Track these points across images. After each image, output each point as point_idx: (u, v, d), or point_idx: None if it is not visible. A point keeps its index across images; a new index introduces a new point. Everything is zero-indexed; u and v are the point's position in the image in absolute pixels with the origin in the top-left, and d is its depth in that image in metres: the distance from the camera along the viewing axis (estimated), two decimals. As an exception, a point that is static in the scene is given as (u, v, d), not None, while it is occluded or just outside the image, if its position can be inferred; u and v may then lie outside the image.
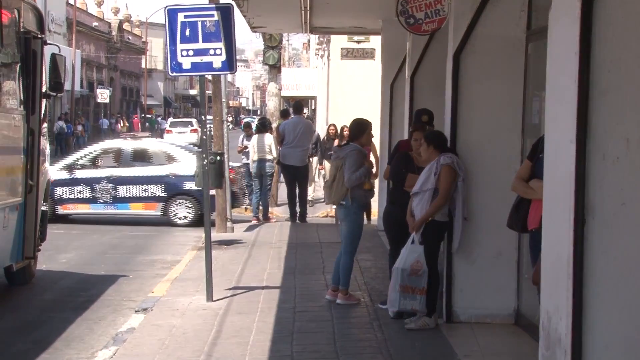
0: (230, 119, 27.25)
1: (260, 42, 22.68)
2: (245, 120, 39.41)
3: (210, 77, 15.16)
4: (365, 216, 10.37)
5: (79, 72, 51.27)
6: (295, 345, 7.42)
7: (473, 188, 7.95)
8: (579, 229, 4.27)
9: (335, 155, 9.21)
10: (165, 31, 9.32)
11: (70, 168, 16.78)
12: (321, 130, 25.35)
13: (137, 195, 16.87)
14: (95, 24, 58.82)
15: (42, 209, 10.68)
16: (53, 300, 10.00)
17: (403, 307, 7.89)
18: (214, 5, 9.88)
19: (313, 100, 44.51)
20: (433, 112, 8.91)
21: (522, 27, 7.84)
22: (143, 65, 68.41)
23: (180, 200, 16.89)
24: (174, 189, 16.84)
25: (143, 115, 64.77)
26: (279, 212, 18.25)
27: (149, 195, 16.87)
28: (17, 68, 9.64)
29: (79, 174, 16.89)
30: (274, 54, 21.24)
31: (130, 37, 69.01)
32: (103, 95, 55.41)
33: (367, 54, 25.47)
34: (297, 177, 16.48)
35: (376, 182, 11.50)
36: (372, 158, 13.91)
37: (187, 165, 16.86)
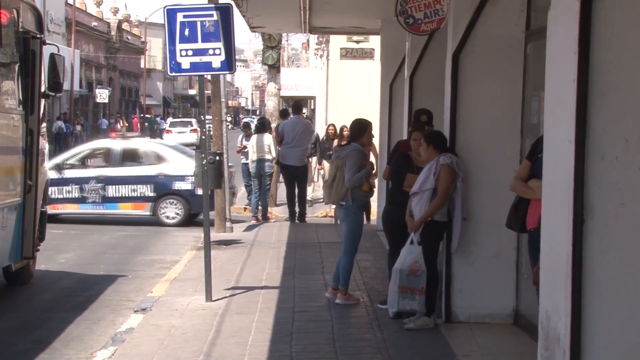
0: (229, 118, 27.21)
1: (259, 42, 22.71)
2: (245, 120, 39.42)
3: (209, 77, 15.15)
4: (364, 216, 10.37)
5: (78, 72, 51.27)
6: (294, 345, 7.42)
7: (472, 188, 7.95)
8: (578, 229, 4.27)
9: (336, 155, 9.21)
10: (165, 31, 9.32)
11: (59, 168, 16.72)
12: (320, 130, 25.36)
13: (126, 195, 16.86)
14: (94, 23, 58.83)
15: (41, 209, 10.68)
16: (52, 300, 9.99)
17: (402, 307, 7.89)
18: (213, 5, 9.89)
19: (312, 100, 44.54)
20: (432, 112, 8.91)
21: (521, 27, 7.84)
22: (142, 65, 68.38)
23: (170, 200, 16.90)
24: (163, 189, 16.84)
25: (142, 115, 64.75)
26: (278, 212, 18.24)
27: (138, 195, 16.86)
28: (16, 68, 9.63)
29: (68, 173, 16.86)
30: (273, 54, 21.24)
31: (129, 37, 69.01)
32: (102, 95, 55.39)
33: (366, 54, 25.49)
34: (297, 177, 16.48)
35: (375, 182, 11.50)
36: (372, 158, 13.94)
37: (176, 165, 16.90)
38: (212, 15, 9.19)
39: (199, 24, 9.16)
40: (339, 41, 26.09)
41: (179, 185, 16.81)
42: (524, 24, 7.84)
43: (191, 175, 16.59)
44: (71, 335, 8.29)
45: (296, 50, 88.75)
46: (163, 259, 12.88)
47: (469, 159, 7.98)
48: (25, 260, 10.13)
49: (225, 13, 9.21)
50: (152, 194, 16.83)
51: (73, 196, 16.68)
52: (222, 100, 15.31)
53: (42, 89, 10.42)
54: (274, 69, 21.56)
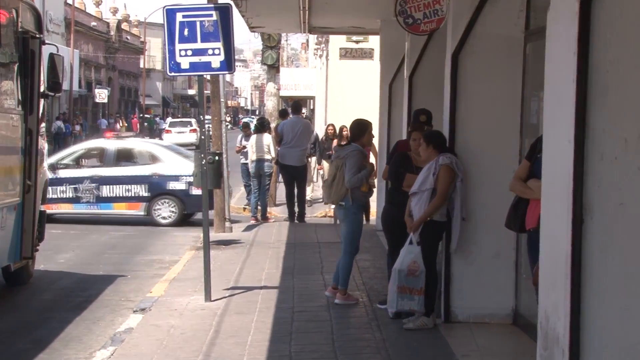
0: (228, 118, 27.19)
1: (258, 42, 22.71)
2: (244, 120, 39.42)
3: (208, 77, 15.14)
4: (364, 216, 10.37)
5: (77, 72, 51.27)
6: (293, 345, 7.42)
7: (471, 188, 7.95)
8: (577, 229, 4.27)
9: (336, 155, 9.21)
10: (164, 31, 9.32)
11: (53, 168, 16.68)
12: (319, 130, 25.36)
13: (121, 195, 16.86)
14: (93, 23, 58.83)
15: (40, 209, 10.68)
16: (51, 300, 9.99)
17: (401, 307, 7.90)
18: (212, 5, 9.88)
19: (311, 100, 44.54)
20: (432, 112, 8.91)
21: (521, 27, 7.85)
22: (141, 65, 68.38)
23: (164, 200, 16.90)
24: (157, 189, 16.84)
25: (141, 115, 64.75)
26: (278, 212, 18.24)
27: (132, 195, 16.86)
28: (15, 68, 9.63)
29: (62, 173, 16.85)
30: (272, 54, 21.24)
31: (128, 37, 69.01)
32: (101, 95, 55.40)
33: (366, 54, 25.50)
34: (296, 177, 16.48)
35: (375, 181, 11.51)
36: (372, 158, 13.94)
37: (170, 165, 16.91)
38: (211, 15, 9.19)
39: (198, 24, 9.16)
40: (338, 41, 26.10)
41: (173, 185, 16.82)
42: (523, 24, 7.84)
43: (185, 175, 16.70)
44: (70, 335, 8.29)
45: (295, 50, 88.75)
46: (162, 259, 12.88)
47: (468, 159, 7.98)
48: (25, 260, 10.13)
49: (224, 13, 9.21)
50: (146, 194, 16.83)
51: (67, 196, 16.65)
52: (222, 100, 15.30)
53: (42, 89, 10.41)
54: (273, 69, 21.57)
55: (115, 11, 66.95)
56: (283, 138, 16.38)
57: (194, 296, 9.48)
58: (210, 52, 9.16)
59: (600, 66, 4.22)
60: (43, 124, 10.79)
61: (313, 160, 19.54)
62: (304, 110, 25.76)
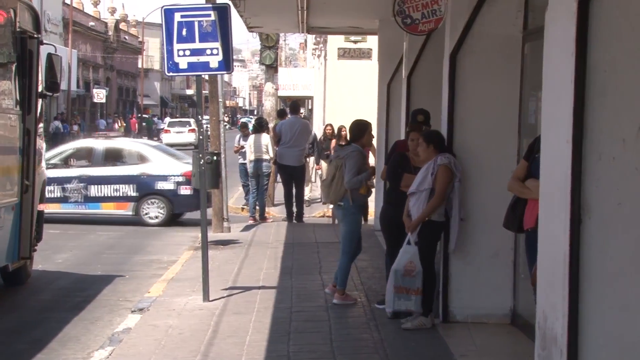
0: (226, 118, 27.18)
1: (257, 42, 22.67)
2: (242, 120, 39.41)
3: (206, 77, 15.14)
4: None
5: (75, 72, 51.24)
6: (291, 345, 7.42)
7: (469, 188, 7.95)
8: (575, 229, 4.27)
9: (336, 155, 9.21)
10: (162, 31, 9.32)
11: None
12: (318, 130, 25.35)
13: (109, 195, 16.84)
14: (91, 23, 58.78)
15: (38, 209, 10.67)
16: (49, 300, 9.99)
17: (397, 307, 7.90)
18: (210, 5, 9.89)
19: (310, 100, 44.54)
20: (430, 112, 8.91)
21: (519, 27, 7.85)
22: (139, 65, 68.34)
23: (152, 200, 16.89)
24: (145, 189, 16.83)
25: (140, 115, 64.71)
26: (276, 212, 18.24)
27: (121, 195, 16.84)
28: (13, 68, 9.62)
29: (50, 173, 16.77)
30: (270, 54, 21.24)
31: (126, 37, 68.95)
32: (99, 95, 55.36)
33: (364, 54, 25.49)
34: (294, 177, 16.48)
35: (374, 182, 11.50)
36: (371, 158, 13.94)
37: (159, 165, 16.91)
38: (209, 15, 9.19)
39: (196, 24, 9.16)
40: (336, 41, 26.08)
41: (161, 185, 16.81)
42: (521, 24, 7.84)
43: (174, 175, 16.72)
44: (68, 335, 8.28)
45: (294, 50, 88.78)
46: (160, 259, 12.87)
47: (467, 159, 7.98)
48: (23, 260, 10.12)
49: (222, 13, 9.21)
50: (134, 194, 16.82)
51: (55, 196, 16.58)
52: (220, 100, 15.30)
53: (39, 89, 10.41)
54: (271, 69, 21.57)
55: (113, 11, 66.90)
56: (281, 138, 16.38)
57: (192, 296, 9.47)
58: (208, 52, 9.16)
59: (598, 66, 4.22)
60: (41, 124, 10.80)
61: (311, 160, 19.54)
62: (302, 110, 25.76)
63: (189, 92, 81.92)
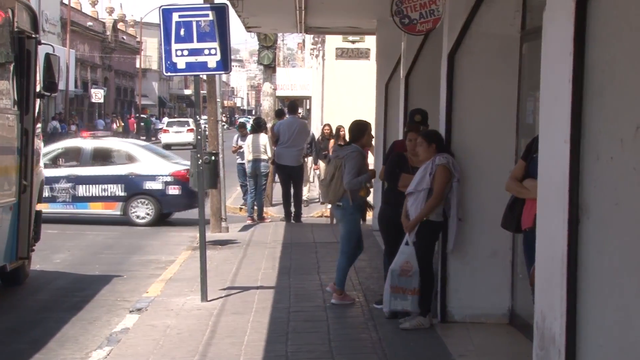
0: (224, 118, 27.18)
1: (255, 42, 22.66)
2: (240, 120, 39.35)
3: (205, 77, 15.14)
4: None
5: (73, 72, 51.20)
6: (290, 345, 7.42)
7: (467, 188, 7.95)
8: (574, 229, 4.28)
9: (335, 155, 9.20)
10: (160, 31, 9.31)
11: None
12: (316, 130, 25.35)
13: (97, 195, 16.83)
14: (89, 23, 58.74)
15: (36, 209, 10.66)
16: (47, 300, 9.98)
17: (394, 307, 7.90)
18: (208, 5, 9.88)
19: (308, 100, 44.53)
20: (428, 112, 8.91)
21: (517, 27, 7.85)
22: (137, 65, 68.31)
23: (140, 200, 16.89)
24: (133, 189, 16.82)
25: (138, 115, 64.68)
26: (274, 212, 18.24)
27: (109, 194, 16.83)
28: (11, 68, 9.62)
29: None
30: (268, 54, 21.24)
31: (124, 37, 68.92)
32: (97, 95, 55.34)
33: (362, 54, 25.49)
34: (292, 177, 16.49)
35: (372, 181, 11.49)
36: (370, 157, 13.92)
37: (147, 165, 16.92)
38: (207, 15, 9.19)
39: (194, 23, 9.16)
40: (334, 41, 26.07)
41: (149, 185, 16.82)
42: (519, 24, 7.85)
43: (162, 175, 16.73)
44: (66, 335, 8.28)
45: (292, 50, 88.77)
46: (158, 259, 12.87)
47: (465, 159, 7.98)
48: (21, 260, 10.11)
49: (220, 13, 9.21)
50: (122, 194, 16.81)
51: (43, 195, 16.55)
52: (218, 100, 15.29)
53: (37, 89, 10.41)
54: (269, 69, 21.57)
55: (111, 11, 66.87)
56: (279, 138, 16.38)
57: (190, 296, 9.47)
58: (206, 52, 9.16)
59: (596, 66, 4.22)
60: (39, 124, 10.79)
61: (309, 160, 19.54)
62: (300, 110, 25.75)
63: (187, 92, 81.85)
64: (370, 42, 22.54)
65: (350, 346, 7.43)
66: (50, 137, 41.62)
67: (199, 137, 9.79)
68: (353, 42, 25.46)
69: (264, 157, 16.75)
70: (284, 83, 38.05)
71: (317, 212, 18.64)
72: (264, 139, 16.85)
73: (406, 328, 7.83)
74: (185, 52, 9.15)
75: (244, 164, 17.54)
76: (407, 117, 10.34)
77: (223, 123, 16.85)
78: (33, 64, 10.06)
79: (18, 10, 9.71)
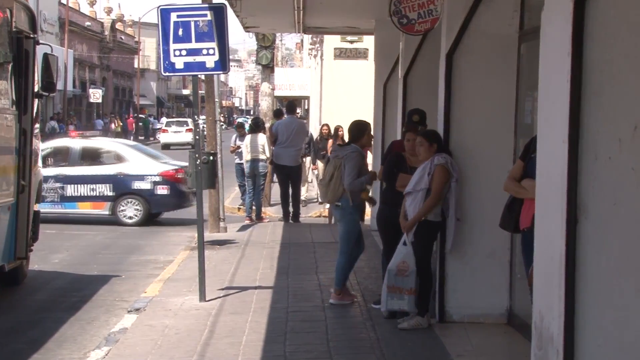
0: (222, 118, 27.17)
1: (253, 42, 22.67)
2: (238, 120, 39.36)
3: (203, 77, 15.13)
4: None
5: (71, 72, 51.17)
6: (288, 345, 7.42)
7: (466, 188, 7.95)
8: (572, 229, 4.28)
9: (335, 154, 9.19)
10: (158, 31, 9.31)
11: None
12: (314, 130, 25.35)
13: (85, 195, 16.81)
14: (87, 23, 58.71)
15: (34, 209, 10.66)
16: (45, 300, 9.98)
17: (390, 307, 7.90)
18: (207, 5, 9.88)
19: (306, 100, 44.51)
20: (426, 112, 8.91)
21: (515, 27, 7.85)
22: (136, 65, 68.29)
23: (129, 200, 16.89)
24: (122, 189, 16.82)
25: (136, 115, 64.68)
26: (272, 212, 18.24)
27: (97, 194, 16.83)
28: (9, 68, 9.61)
29: None
30: (267, 54, 21.24)
31: (122, 37, 68.89)
32: (95, 95, 55.31)
33: (360, 54, 25.48)
34: (291, 177, 16.49)
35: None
36: (369, 158, 13.92)
37: (136, 164, 16.92)
38: (205, 15, 9.19)
39: (192, 23, 9.15)
40: (332, 41, 26.07)
41: (138, 185, 16.82)
42: (517, 24, 7.85)
43: (151, 175, 16.74)
44: (65, 335, 8.28)
45: (290, 50, 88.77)
46: (157, 259, 12.87)
47: (463, 159, 7.98)
48: (19, 260, 10.11)
49: (219, 13, 9.21)
50: (111, 194, 16.80)
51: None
52: (216, 100, 15.29)
53: (36, 89, 10.40)
54: (267, 68, 21.57)
55: (109, 11, 66.84)
56: (278, 138, 16.38)
57: (188, 296, 9.47)
58: (204, 52, 9.16)
59: (594, 66, 4.23)
60: (37, 124, 10.79)
61: (308, 160, 19.54)
62: (298, 110, 25.74)
63: (185, 92, 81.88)
64: (368, 42, 22.53)
65: (348, 346, 7.43)
66: (48, 137, 41.61)
67: (197, 137, 9.79)
68: (351, 42, 25.45)
69: (262, 157, 16.74)
70: (282, 83, 38.04)
71: (315, 212, 18.64)
72: (262, 139, 16.85)
73: (404, 328, 7.83)
74: (184, 52, 9.15)
75: (242, 164, 17.54)
76: (405, 117, 10.35)
77: (221, 123, 16.83)
78: (31, 64, 10.05)
79: (16, 10, 9.71)
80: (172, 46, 9.15)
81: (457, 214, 7.88)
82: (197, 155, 9.39)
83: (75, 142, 17.84)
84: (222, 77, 68.63)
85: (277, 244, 13.52)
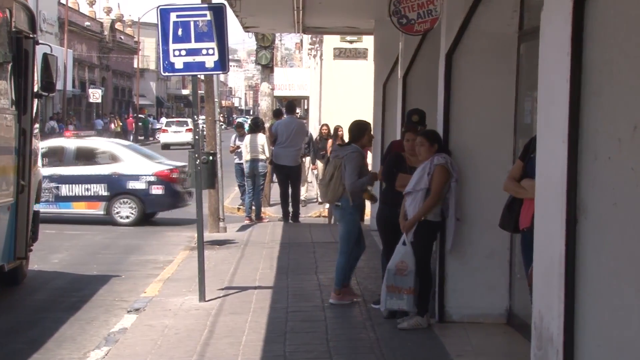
0: (222, 118, 27.14)
1: (252, 42, 22.68)
2: (238, 120, 39.32)
3: (202, 77, 15.13)
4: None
5: (70, 72, 51.17)
6: (288, 345, 7.42)
7: (466, 188, 7.95)
8: (571, 229, 4.28)
9: (335, 154, 9.19)
10: (158, 31, 9.31)
11: None
12: (313, 130, 25.35)
13: (80, 195, 16.81)
14: (87, 23, 58.71)
15: (34, 209, 10.66)
16: (45, 300, 9.98)
17: (389, 306, 7.90)
18: (206, 5, 9.88)
19: (306, 100, 44.51)
20: (426, 112, 8.91)
21: (515, 27, 7.85)
22: (135, 65, 68.29)
23: (124, 200, 16.89)
24: (117, 188, 16.82)
25: (135, 115, 64.69)
26: (272, 212, 18.24)
27: (92, 194, 16.82)
28: (9, 68, 9.61)
29: None
30: (266, 54, 21.24)
31: (122, 37, 68.89)
32: (95, 95, 55.32)
33: (360, 54, 25.47)
34: (290, 177, 16.49)
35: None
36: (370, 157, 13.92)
37: (130, 164, 16.92)
38: (205, 15, 9.18)
39: (192, 23, 9.15)
40: (332, 41, 26.06)
41: (133, 185, 16.82)
42: (517, 24, 7.85)
43: (145, 175, 16.74)
44: (64, 335, 8.28)
45: (289, 50, 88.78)
46: (156, 259, 12.86)
47: (463, 159, 7.98)
48: (18, 260, 10.11)
49: (218, 13, 9.21)
50: (105, 193, 16.80)
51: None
52: (215, 100, 15.30)
53: (35, 89, 10.40)
54: (267, 68, 21.57)
55: (109, 11, 66.83)
56: (277, 138, 16.38)
57: (188, 296, 9.47)
58: (204, 52, 9.16)
59: (593, 66, 4.23)
60: (37, 124, 10.78)
61: (307, 160, 19.54)
62: (298, 110, 25.74)
63: (185, 92, 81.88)
64: (368, 42, 22.52)
65: (348, 346, 7.43)
66: (47, 137, 41.58)
67: (196, 137, 9.79)
68: (351, 42, 25.44)
69: (261, 157, 16.74)
70: (281, 83, 38.04)
71: (314, 212, 18.64)
72: (261, 139, 16.85)
73: (404, 328, 7.83)
74: (183, 52, 9.15)
75: (241, 164, 17.54)
76: (404, 117, 10.35)
77: (221, 123, 16.83)
78: (31, 64, 10.05)
79: (16, 10, 9.70)
80: (172, 46, 9.15)
81: (457, 214, 7.88)
82: (196, 155, 9.39)
83: (69, 142, 17.84)
84: (222, 77, 68.64)
85: (276, 244, 13.52)
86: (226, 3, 11.07)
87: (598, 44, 4.21)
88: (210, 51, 9.15)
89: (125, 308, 9.27)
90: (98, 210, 16.87)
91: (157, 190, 16.85)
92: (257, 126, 17.37)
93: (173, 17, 9.16)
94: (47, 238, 13.59)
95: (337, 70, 26.51)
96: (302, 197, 18.57)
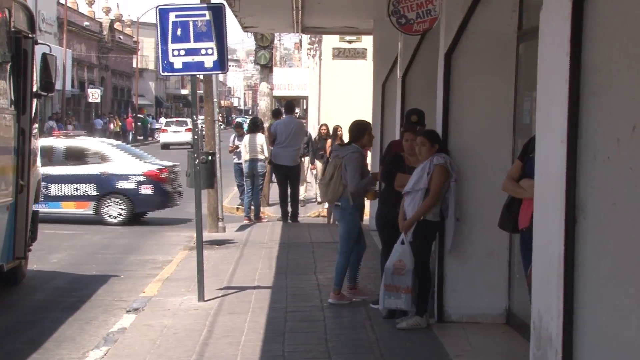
0: (221, 118, 27.12)
1: (251, 41, 22.71)
2: (237, 120, 39.31)
3: (201, 77, 15.13)
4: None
5: (70, 72, 51.15)
6: (286, 345, 7.42)
7: (465, 188, 7.95)
8: (570, 229, 4.28)
9: (335, 154, 9.19)
10: (157, 31, 9.31)
11: None
12: (313, 130, 25.36)
13: (69, 194, 16.80)
14: (86, 23, 58.67)
15: (33, 209, 10.66)
16: (44, 300, 9.98)
17: (387, 305, 7.91)
18: (205, 5, 9.88)
19: (305, 100, 44.52)
20: (425, 112, 8.91)
21: (514, 27, 7.86)
22: (134, 65, 68.26)
23: (113, 200, 16.89)
24: (106, 188, 16.83)
25: (135, 114, 64.67)
26: (271, 212, 18.24)
27: (81, 194, 16.82)
28: (8, 68, 9.61)
29: None
30: (265, 54, 21.24)
31: (121, 37, 68.85)
32: (94, 95, 55.29)
33: (359, 54, 25.48)
34: (289, 176, 16.49)
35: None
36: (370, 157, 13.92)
37: (120, 164, 16.92)
38: (204, 15, 9.18)
39: (191, 23, 9.15)
40: (331, 41, 26.08)
41: (122, 184, 16.82)
42: (516, 23, 7.85)
43: (135, 175, 16.75)
44: (63, 335, 8.28)
45: (289, 50, 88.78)
46: (155, 258, 12.86)
47: (462, 159, 7.98)
48: (17, 260, 10.11)
49: (217, 13, 9.21)
50: (95, 193, 16.81)
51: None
52: (214, 100, 15.30)
53: (34, 89, 10.40)
54: (266, 68, 21.57)
55: (108, 11, 66.80)
56: (276, 138, 16.38)
57: (187, 296, 9.47)
58: (203, 52, 9.16)
59: (592, 66, 4.23)
60: (36, 124, 10.78)
61: (306, 160, 19.54)
62: (297, 110, 25.74)
63: (184, 91, 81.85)
64: (367, 42, 22.53)
65: (347, 346, 7.43)
66: (46, 137, 41.54)
67: (195, 137, 9.79)
68: (350, 42, 25.46)
69: (260, 157, 16.74)
70: (280, 83, 38.06)
71: (314, 212, 18.64)
72: (260, 138, 16.84)
73: (403, 328, 7.83)
74: (182, 52, 9.15)
75: (240, 163, 17.54)
76: (403, 117, 10.35)
77: (220, 123, 16.83)
78: (30, 63, 10.05)
79: (15, 10, 9.70)
80: (171, 46, 9.15)
81: (456, 213, 7.88)
82: (195, 155, 9.39)
83: (59, 142, 17.81)
84: (221, 77, 68.62)
85: (275, 243, 13.51)
86: (225, 3, 11.07)
87: (597, 43, 4.21)
88: (209, 51, 9.15)
89: (124, 308, 9.27)
90: (87, 210, 16.87)
91: (146, 190, 16.86)
92: (256, 126, 17.37)
93: (172, 17, 9.16)
94: (46, 238, 13.59)
95: (336, 70, 26.53)
96: (301, 197, 18.57)
